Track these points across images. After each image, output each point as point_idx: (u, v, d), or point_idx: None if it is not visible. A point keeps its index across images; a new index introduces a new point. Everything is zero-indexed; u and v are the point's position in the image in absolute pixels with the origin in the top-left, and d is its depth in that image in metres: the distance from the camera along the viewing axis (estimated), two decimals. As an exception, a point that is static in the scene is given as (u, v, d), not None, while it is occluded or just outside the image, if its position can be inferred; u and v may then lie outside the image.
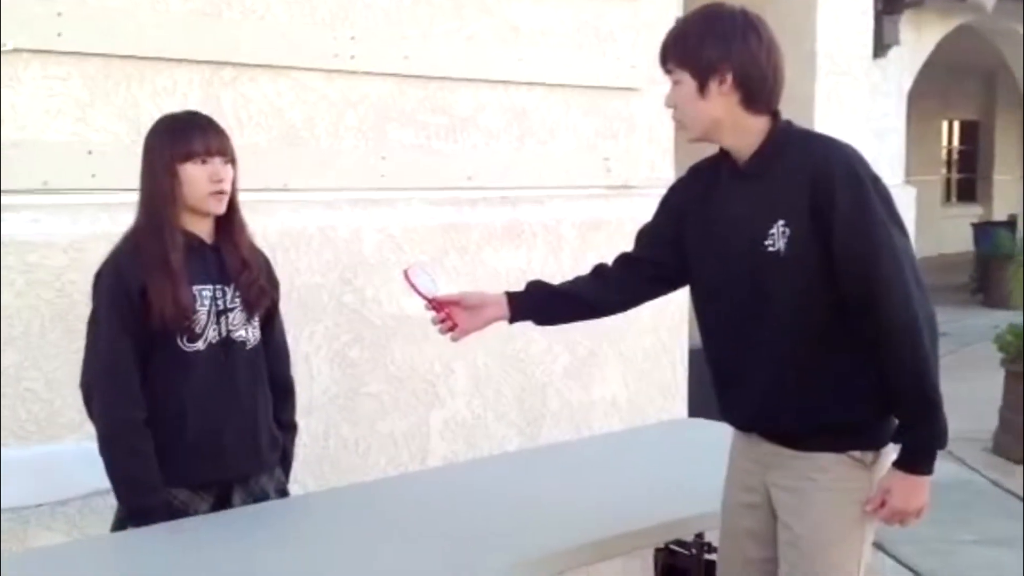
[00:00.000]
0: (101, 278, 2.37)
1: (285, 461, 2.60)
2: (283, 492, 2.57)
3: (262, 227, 2.77)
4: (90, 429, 2.38)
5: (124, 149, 2.95)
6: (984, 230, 13.09)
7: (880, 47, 8.65)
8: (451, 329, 2.31)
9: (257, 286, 2.46)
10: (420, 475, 3.25)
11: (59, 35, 2.96)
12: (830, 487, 2.05)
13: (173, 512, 2.34)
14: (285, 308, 2.66)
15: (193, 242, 2.39)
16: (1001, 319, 6.83)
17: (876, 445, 2.07)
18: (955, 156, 19.27)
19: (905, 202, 8.47)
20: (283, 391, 2.59)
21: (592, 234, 4.04)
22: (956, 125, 19.10)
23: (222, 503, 2.43)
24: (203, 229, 2.42)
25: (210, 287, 2.39)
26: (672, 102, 2.13)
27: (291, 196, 3.38)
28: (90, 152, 3.02)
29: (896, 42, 9.40)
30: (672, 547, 2.81)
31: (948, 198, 18.87)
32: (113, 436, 2.32)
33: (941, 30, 10.81)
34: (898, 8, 9.29)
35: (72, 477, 2.84)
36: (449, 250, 3.71)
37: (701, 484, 2.44)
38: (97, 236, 2.79)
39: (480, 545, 2.25)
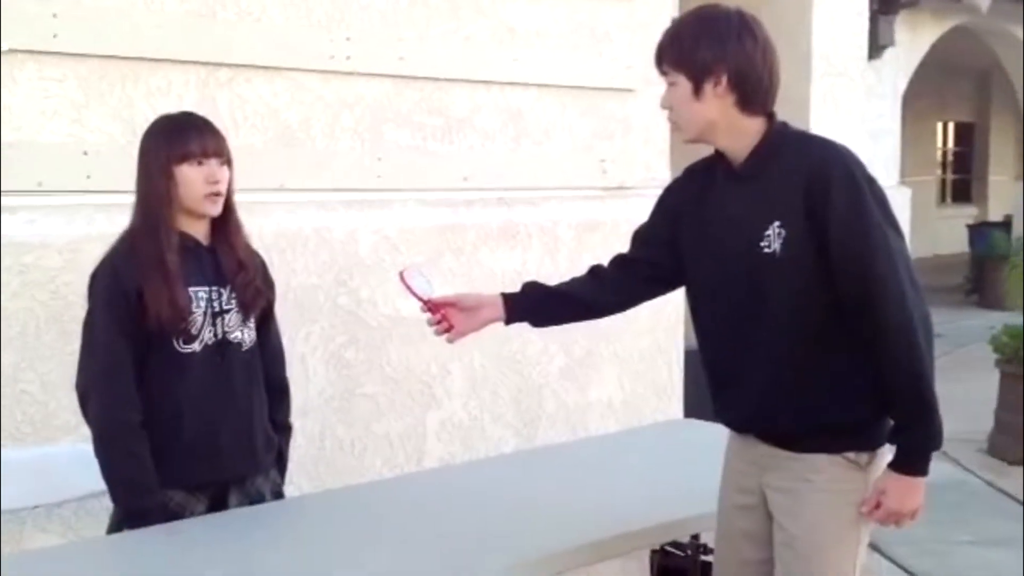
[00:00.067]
0: (97, 279, 2.37)
1: (280, 462, 2.60)
2: (279, 493, 2.57)
3: (258, 228, 2.77)
4: (86, 431, 2.38)
5: (119, 150, 2.95)
6: (979, 231, 13.10)
7: (875, 48, 8.66)
8: (447, 331, 2.31)
9: (253, 287, 2.46)
10: (416, 476, 3.25)
11: (55, 36, 2.96)
12: (825, 488, 2.05)
13: (169, 514, 2.34)
14: (281, 309, 2.66)
15: (189, 243, 2.39)
16: (996, 320, 6.84)
17: (871, 446, 2.07)
18: (950, 157, 19.29)
19: (900, 203, 8.50)
20: (278, 392, 2.59)
21: (588, 235, 4.04)
22: (951, 126, 19.12)
23: (218, 505, 2.42)
24: (199, 230, 2.42)
25: (206, 288, 2.38)
26: (667, 103, 2.13)
27: (287, 197, 3.38)
28: (85, 153, 3.02)
29: (891, 43, 9.42)
30: (668, 548, 2.81)
31: (943, 199, 18.89)
32: (109, 438, 2.32)
33: (936, 31, 10.83)
34: (893, 9, 9.30)
35: (68, 479, 2.84)
36: (445, 251, 3.71)
37: (697, 485, 2.44)
38: (92, 237, 2.79)
39: (477, 547, 2.25)
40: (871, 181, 2.01)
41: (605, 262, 2.36)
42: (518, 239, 3.89)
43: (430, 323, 2.32)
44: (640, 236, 2.33)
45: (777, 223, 2.00)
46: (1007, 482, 5.43)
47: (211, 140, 2.40)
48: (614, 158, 4.18)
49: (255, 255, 2.53)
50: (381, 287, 3.50)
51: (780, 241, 2.00)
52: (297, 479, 3.01)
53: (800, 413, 2.05)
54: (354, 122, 3.53)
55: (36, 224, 2.92)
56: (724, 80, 2.03)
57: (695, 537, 2.73)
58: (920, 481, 2.02)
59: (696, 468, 2.61)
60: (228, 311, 2.41)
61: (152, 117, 2.54)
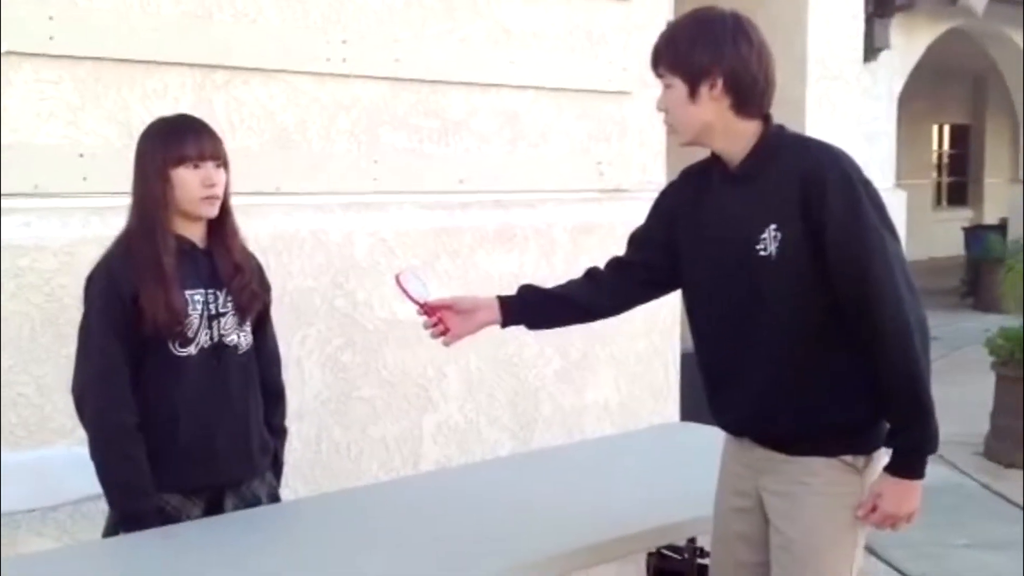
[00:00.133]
0: (92, 282, 2.36)
1: (276, 465, 2.59)
2: (275, 497, 2.56)
3: (254, 231, 2.76)
4: (81, 434, 2.37)
5: (115, 152, 2.94)
6: (975, 234, 13.11)
7: (871, 51, 8.67)
8: (443, 333, 2.31)
9: (249, 290, 2.45)
10: (412, 480, 3.25)
11: (51, 39, 2.95)
12: (822, 491, 2.05)
13: (165, 517, 2.33)
14: (277, 312, 2.65)
15: (185, 246, 2.38)
16: (992, 323, 6.85)
17: (868, 449, 2.07)
18: (945, 160, 19.31)
19: (896, 206, 8.51)
20: (274, 395, 2.59)
21: (584, 238, 4.04)
22: (946, 129, 19.15)
23: (214, 508, 2.42)
24: (195, 233, 2.41)
25: (202, 291, 2.38)
26: (663, 106, 2.13)
27: (283, 200, 3.38)
28: (81, 155, 3.02)
29: (887, 46, 9.43)
30: (664, 551, 2.81)
31: (939, 202, 18.91)
32: (105, 441, 2.31)
33: (931, 34, 10.85)
34: (888, 12, 9.32)
35: (63, 482, 2.83)
36: (441, 254, 3.70)
37: (693, 488, 2.45)
38: (88, 240, 2.79)
39: (473, 550, 2.25)
40: (867, 184, 2.02)
41: (601, 265, 2.37)
42: (514, 242, 3.89)
43: (426, 326, 2.32)
44: (636, 239, 2.34)
45: (773, 226, 2.00)
46: (1003, 485, 5.44)
47: (208, 143, 2.40)
48: (610, 160, 4.18)
49: (251, 258, 2.53)
50: (377, 290, 3.50)
51: (776, 244, 2.00)
52: (293, 482, 3.00)
53: (797, 415, 2.05)
54: (350, 124, 3.53)
55: (32, 226, 2.91)
56: (720, 83, 2.03)
57: (691, 540, 2.73)
58: (916, 484, 2.02)
59: (692, 471, 2.61)
60: (224, 314, 2.41)
61: (148, 119, 2.54)
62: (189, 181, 2.35)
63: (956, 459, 5.75)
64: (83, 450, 2.34)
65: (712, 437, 2.32)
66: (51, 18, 2.95)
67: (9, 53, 2.89)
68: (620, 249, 2.36)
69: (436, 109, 3.72)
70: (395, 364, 3.59)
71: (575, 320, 2.44)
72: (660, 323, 4.23)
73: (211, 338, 2.39)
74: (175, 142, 2.37)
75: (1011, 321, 6.22)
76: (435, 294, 2.34)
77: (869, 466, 2.07)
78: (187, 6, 3.18)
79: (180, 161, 2.35)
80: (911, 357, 1.96)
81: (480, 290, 2.90)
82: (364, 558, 2.20)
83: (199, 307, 2.37)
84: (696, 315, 2.21)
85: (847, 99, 6.40)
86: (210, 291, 2.39)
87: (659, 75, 2.12)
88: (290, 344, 3.20)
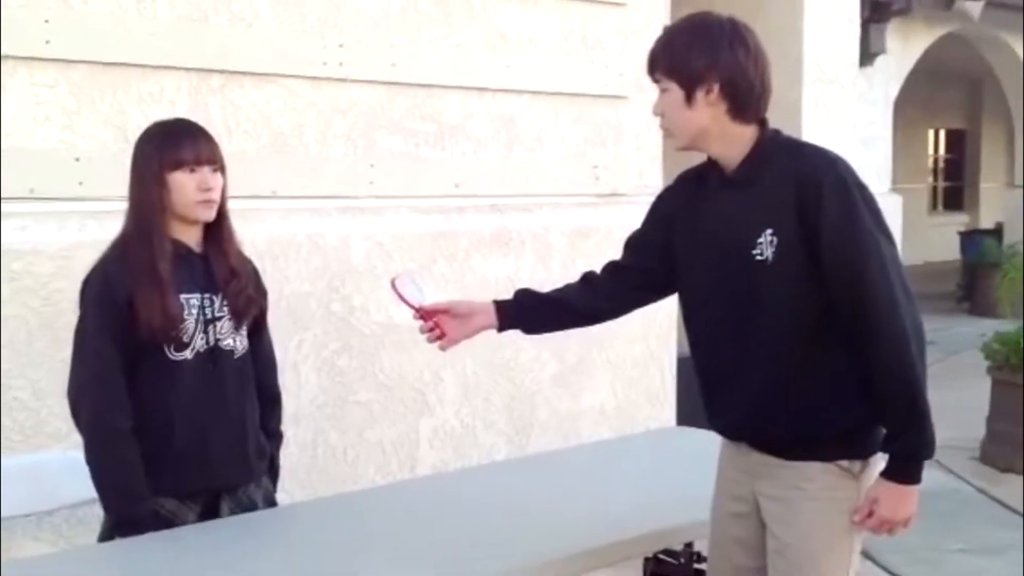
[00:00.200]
0: (88, 286, 2.36)
1: (272, 470, 2.59)
2: (271, 501, 2.56)
3: (250, 235, 2.76)
4: (77, 438, 2.37)
5: (111, 157, 2.94)
6: (971, 238, 13.12)
7: (867, 55, 8.69)
8: (439, 338, 2.30)
9: (245, 295, 2.45)
10: (409, 484, 3.24)
11: (47, 42, 2.95)
12: (818, 496, 2.05)
13: (161, 522, 2.33)
14: (273, 316, 2.65)
15: (181, 250, 2.38)
16: (988, 327, 6.85)
17: (864, 454, 2.07)
18: (941, 164, 19.33)
19: (892, 210, 8.51)
20: (270, 400, 2.58)
21: (581, 242, 4.04)
22: (942, 133, 19.17)
23: (210, 513, 2.41)
24: (191, 237, 2.41)
25: (198, 296, 2.38)
26: (660, 110, 2.13)
27: (279, 204, 3.38)
28: (77, 159, 3.02)
29: (883, 50, 9.45)
30: (661, 556, 2.80)
31: (935, 206, 18.93)
32: (100, 444, 2.31)
33: (927, 38, 10.87)
34: (885, 16, 9.34)
35: (59, 487, 2.83)
36: (437, 258, 3.70)
37: (690, 493, 2.44)
38: (84, 244, 2.79)
39: (469, 554, 2.24)
40: (862, 188, 2.02)
41: (598, 269, 2.36)
42: (511, 246, 3.89)
43: (422, 330, 2.31)
44: (633, 243, 2.34)
45: (769, 231, 2.00)
46: (1000, 490, 5.43)
47: (204, 147, 2.39)
48: (607, 165, 4.19)
49: (247, 262, 2.52)
50: (374, 294, 3.49)
51: (772, 249, 2.00)
52: (290, 487, 3.00)
53: (794, 418, 2.05)
54: (347, 128, 3.53)
55: (28, 231, 2.91)
56: (716, 88, 2.03)
57: (688, 545, 2.72)
58: (913, 489, 2.02)
59: (689, 475, 2.61)
60: (220, 318, 2.41)
61: (144, 124, 2.54)
62: (185, 185, 2.35)
63: (952, 464, 5.74)
64: (79, 454, 2.34)
65: (709, 442, 2.32)
66: (47, 21, 2.95)
67: (5, 57, 2.89)
68: (617, 253, 2.36)
69: (432, 113, 3.72)
70: (391, 368, 3.59)
71: (571, 324, 2.44)
72: (657, 327, 4.23)
73: (207, 342, 2.38)
74: (171, 146, 2.36)
75: (1007, 325, 6.23)
76: (431, 298, 2.34)
77: (866, 471, 2.07)
78: (183, 10, 3.18)
79: (177, 165, 2.34)
80: (907, 361, 1.96)
81: (477, 294, 2.90)
82: (361, 563, 2.20)
83: (195, 311, 2.37)
84: (693, 319, 2.21)
85: (843, 103, 6.41)
86: (206, 295, 2.39)
87: (655, 80, 2.12)
88: (286, 348, 3.20)
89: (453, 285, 3.66)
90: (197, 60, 3.21)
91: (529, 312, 2.35)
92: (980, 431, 6.02)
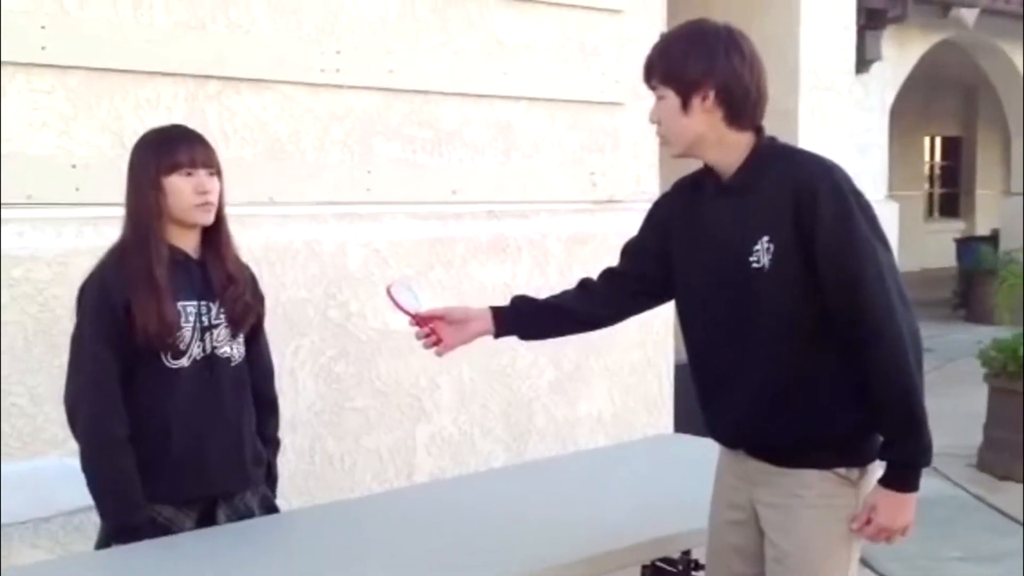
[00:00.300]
0: (85, 293, 2.36)
1: (271, 477, 2.58)
2: (270, 507, 2.56)
3: (247, 241, 2.76)
4: (74, 445, 2.36)
5: (108, 163, 2.94)
6: (967, 245, 13.13)
7: (862, 62, 8.72)
8: (436, 344, 2.30)
9: (242, 302, 2.45)
10: (406, 491, 3.24)
11: (43, 48, 2.95)
12: (816, 504, 2.05)
13: (158, 529, 2.32)
14: (270, 323, 2.65)
15: (179, 257, 2.38)
16: (984, 334, 6.85)
17: (862, 462, 2.06)
18: (937, 171, 19.36)
19: (888, 217, 8.53)
20: (267, 407, 2.58)
21: (578, 248, 4.04)
22: (938, 140, 19.21)
23: (207, 520, 2.41)
24: (189, 243, 2.41)
25: (195, 303, 2.37)
26: (656, 117, 2.13)
27: (276, 210, 3.37)
28: (74, 166, 3.01)
29: (878, 57, 9.48)
30: (659, 564, 2.79)
31: (931, 213, 18.96)
32: (96, 451, 2.30)
33: (923, 46, 10.91)
34: (880, 23, 9.37)
35: (56, 494, 2.82)
36: (434, 264, 3.70)
37: (688, 500, 2.44)
38: (81, 250, 2.78)
39: (467, 562, 2.24)
40: (858, 195, 2.02)
41: (595, 275, 2.36)
42: (508, 252, 3.89)
43: (418, 337, 2.31)
44: (629, 250, 2.33)
45: (766, 238, 2.00)
46: (997, 497, 5.43)
47: (200, 150, 2.39)
48: (604, 171, 4.19)
49: (244, 268, 2.52)
50: (371, 300, 3.49)
51: (769, 256, 2.00)
52: (287, 494, 2.99)
53: (791, 424, 2.05)
54: (344, 135, 3.53)
55: (25, 237, 2.91)
56: (712, 95, 2.03)
57: (686, 553, 2.72)
58: (911, 497, 2.01)
59: (687, 483, 2.61)
60: (217, 326, 2.40)
61: (141, 130, 2.54)
62: (182, 189, 2.34)
63: (949, 471, 5.74)
64: (76, 461, 2.33)
65: (706, 449, 2.31)
66: (44, 27, 2.95)
67: (2, 63, 2.89)
68: (613, 260, 2.36)
69: (429, 120, 3.73)
70: (388, 375, 3.58)
71: (568, 331, 2.44)
72: (654, 334, 4.23)
73: (203, 350, 2.38)
74: (168, 150, 2.36)
75: (1003, 333, 6.23)
76: (428, 304, 2.34)
77: (864, 479, 2.06)
78: (180, 16, 3.18)
79: (173, 168, 2.34)
80: (904, 368, 1.95)
81: (473, 301, 2.90)
82: (358, 570, 2.19)
83: (192, 319, 2.36)
84: (690, 325, 2.21)
85: (839, 111, 6.42)
86: (203, 303, 2.39)
87: (652, 87, 2.12)
88: (283, 355, 3.20)
89: (450, 291, 3.66)
90: (194, 66, 3.21)
91: (526, 318, 2.34)
92: (977, 438, 6.02)
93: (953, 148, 19.20)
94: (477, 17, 3.82)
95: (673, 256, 2.20)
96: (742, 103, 2.05)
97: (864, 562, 4.15)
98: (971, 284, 11.94)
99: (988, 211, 17.26)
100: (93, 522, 2.42)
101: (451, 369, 3.69)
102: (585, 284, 2.36)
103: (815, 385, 2.03)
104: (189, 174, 2.35)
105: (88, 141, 3.04)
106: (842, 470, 2.05)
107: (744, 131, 2.07)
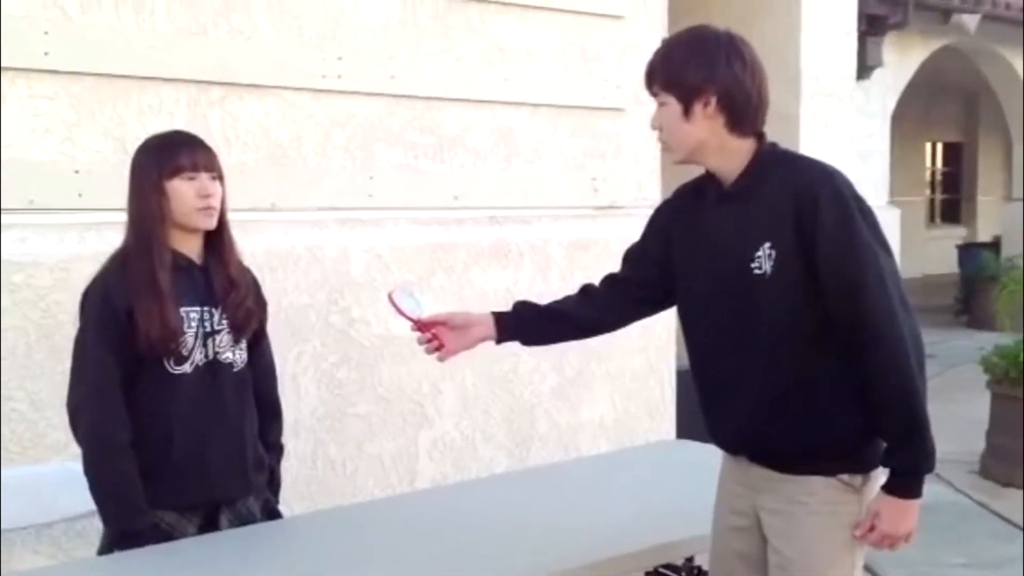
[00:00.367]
0: (88, 298, 2.36)
1: (273, 482, 2.58)
2: (273, 512, 2.55)
3: (249, 247, 2.76)
4: (76, 451, 2.36)
5: (111, 168, 2.94)
6: (968, 251, 13.13)
7: (864, 68, 8.73)
8: (438, 349, 2.30)
9: (245, 308, 2.45)
10: (408, 497, 3.23)
11: (45, 54, 2.96)
12: (819, 511, 2.04)
13: (160, 535, 2.32)
14: (272, 328, 2.65)
15: (182, 262, 2.38)
16: (987, 340, 6.85)
17: (865, 468, 2.06)
18: (939, 177, 19.36)
19: (889, 223, 8.53)
20: (270, 412, 2.58)
21: (579, 254, 4.04)
22: (939, 146, 19.21)
23: (209, 525, 2.41)
24: (192, 248, 2.41)
25: (198, 308, 2.37)
26: (657, 124, 2.13)
27: (278, 216, 3.38)
28: (77, 171, 3.02)
29: (880, 63, 9.49)
30: (662, 570, 2.79)
31: (932, 219, 18.95)
32: (98, 457, 2.30)
33: (924, 52, 10.92)
34: (881, 30, 9.38)
35: (58, 499, 2.82)
36: (436, 270, 3.70)
37: (691, 507, 2.44)
38: (84, 256, 2.79)
39: (469, 568, 2.23)
40: (860, 201, 2.01)
41: (596, 281, 2.36)
42: (509, 258, 3.89)
43: (420, 342, 2.31)
44: (631, 256, 2.34)
45: (767, 244, 2.00)
46: (1000, 504, 5.42)
47: (202, 154, 2.40)
48: (605, 177, 4.19)
49: (247, 272, 2.52)
50: (372, 306, 3.49)
51: (771, 262, 2.00)
52: (289, 499, 2.98)
53: (792, 431, 2.04)
54: (345, 141, 3.54)
55: (27, 242, 2.91)
56: (713, 101, 2.03)
57: (689, 559, 2.71)
58: (914, 503, 2.01)
59: (690, 489, 2.61)
60: (219, 331, 2.40)
61: (144, 135, 2.54)
62: (185, 192, 2.35)
63: (952, 478, 5.73)
64: (78, 466, 2.33)
65: (709, 455, 2.31)
66: (46, 33, 2.96)
67: (4, 68, 2.90)
68: (615, 265, 2.36)
69: (431, 126, 3.73)
70: (391, 380, 3.58)
71: (570, 337, 2.44)
72: (656, 340, 4.23)
73: (206, 356, 2.38)
74: (170, 154, 2.37)
75: (1006, 339, 6.22)
76: (430, 310, 2.33)
77: (867, 485, 2.06)
78: (182, 22, 3.18)
79: (175, 172, 2.34)
80: (906, 373, 1.95)
81: (475, 306, 2.89)
82: (360, 576, 2.19)
83: (194, 324, 2.36)
84: (691, 331, 2.21)
85: (840, 116, 6.42)
86: (206, 308, 2.39)
87: (653, 93, 2.12)
88: (286, 360, 3.20)
89: (452, 297, 3.66)
90: (196, 72, 3.21)
91: (528, 324, 2.34)
92: (980, 445, 6.02)
93: (954, 154, 19.21)
94: (478, 23, 3.82)
95: (675, 262, 2.20)
96: (743, 109, 2.05)
97: (868, 568, 4.14)
98: (973, 290, 11.93)
99: (990, 217, 17.25)
100: (95, 528, 2.42)
101: (453, 375, 3.69)
102: (587, 290, 2.36)
103: (816, 390, 2.03)
104: (192, 178, 2.35)
105: (91, 147, 3.04)
106: (845, 477, 2.04)
107: (746, 137, 2.07)
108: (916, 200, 17.51)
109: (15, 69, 2.92)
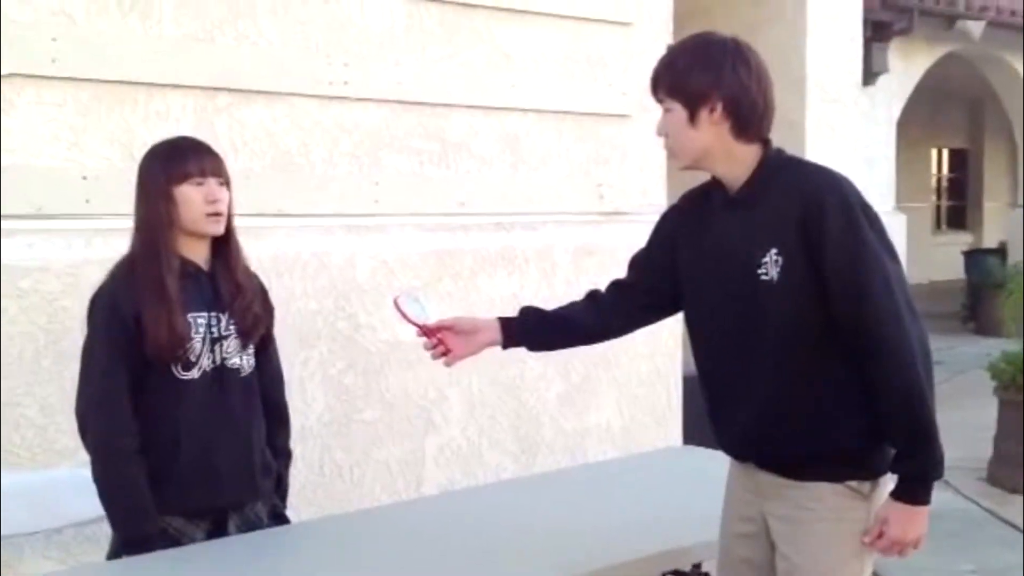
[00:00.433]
0: (96, 305, 2.36)
1: (281, 488, 2.58)
2: (280, 517, 2.56)
3: (256, 253, 2.76)
4: (85, 456, 2.37)
5: (118, 174, 2.95)
6: (975, 258, 13.10)
7: (869, 75, 8.73)
8: (444, 354, 2.30)
9: (252, 313, 2.45)
10: (415, 503, 3.23)
11: (53, 61, 2.97)
12: (828, 517, 2.04)
13: (168, 540, 2.32)
14: (279, 334, 2.65)
15: (189, 268, 2.38)
16: (993, 347, 6.83)
17: (873, 475, 2.05)
18: (944, 184, 19.35)
19: (896, 229, 8.52)
20: (278, 417, 2.58)
21: (585, 260, 4.04)
22: (945, 153, 19.20)
23: (217, 531, 2.41)
24: (199, 254, 2.41)
25: (205, 314, 2.38)
26: (663, 130, 2.13)
27: (285, 222, 3.38)
28: (84, 177, 3.02)
29: (885, 70, 9.49)
30: (669, 576, 2.79)
31: (938, 226, 18.93)
32: (107, 463, 2.31)
33: (929, 58, 10.92)
34: (886, 36, 9.38)
35: (67, 504, 2.82)
36: (443, 276, 3.71)
37: (698, 513, 2.43)
38: (91, 261, 2.79)
39: (476, 574, 2.23)
40: (866, 207, 2.01)
41: (602, 287, 2.36)
42: (515, 264, 3.90)
43: (427, 347, 2.31)
44: (637, 262, 2.33)
45: (774, 250, 2.00)
46: (1008, 510, 5.41)
47: (209, 160, 2.40)
48: (611, 183, 4.19)
49: (254, 278, 2.52)
50: (379, 312, 3.49)
51: (778, 268, 2.00)
52: (296, 505, 2.99)
53: (798, 436, 2.04)
54: (352, 147, 3.54)
55: (35, 248, 2.92)
56: (719, 107, 2.03)
57: (697, 565, 2.70)
58: (923, 510, 2.00)
59: (697, 495, 2.60)
60: (227, 337, 2.41)
61: (151, 142, 2.55)
62: (193, 198, 2.35)
63: (960, 484, 5.72)
64: (87, 472, 2.34)
65: (716, 461, 2.31)
66: (54, 40, 2.97)
67: (12, 75, 2.90)
68: (621, 271, 2.36)
69: (437, 132, 3.73)
70: (397, 386, 3.58)
71: (576, 342, 2.44)
72: (662, 346, 4.23)
73: (213, 361, 2.39)
74: (177, 160, 2.38)
75: (1012, 345, 6.20)
76: (436, 315, 2.33)
77: (875, 492, 2.05)
78: (189, 29, 3.19)
79: (183, 178, 2.35)
80: (913, 379, 1.94)
81: (481, 312, 2.90)
82: (367, 581, 2.19)
83: (202, 330, 2.37)
84: (698, 337, 2.20)
85: (846, 123, 6.43)
86: (213, 314, 2.39)
87: (659, 99, 2.12)
88: (292, 366, 3.20)
89: (458, 303, 3.66)
90: (203, 79, 3.22)
91: (534, 329, 2.34)
92: (987, 451, 6.00)
93: (960, 160, 19.19)
94: (484, 30, 3.83)
95: (680, 268, 2.20)
96: (749, 115, 2.05)
97: (876, 575, 4.13)
98: (980, 297, 11.91)
99: (996, 223, 17.24)
100: (104, 533, 2.42)
101: (460, 381, 3.69)
102: (593, 296, 2.36)
103: (823, 396, 2.02)
104: (199, 184, 2.36)
105: (98, 153, 3.05)
106: (854, 483, 2.04)
107: (751, 143, 2.07)
108: (922, 206, 17.49)
109: (23, 76, 2.93)
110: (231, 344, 2.41)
